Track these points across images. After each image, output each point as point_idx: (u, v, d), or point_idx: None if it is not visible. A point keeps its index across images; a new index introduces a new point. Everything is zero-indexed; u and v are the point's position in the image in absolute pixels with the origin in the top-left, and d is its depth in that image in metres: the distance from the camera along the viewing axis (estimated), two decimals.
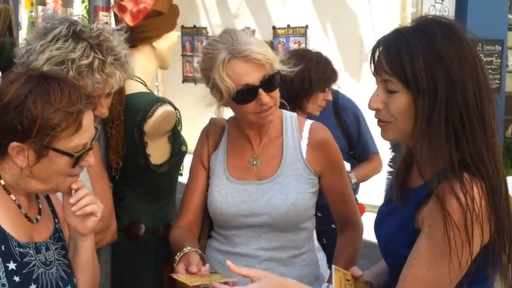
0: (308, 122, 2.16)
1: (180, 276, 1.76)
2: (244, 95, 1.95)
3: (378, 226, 1.73)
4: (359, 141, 3.74)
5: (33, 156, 1.52)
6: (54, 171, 1.56)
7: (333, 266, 1.73)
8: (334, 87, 3.83)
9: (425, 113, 1.47)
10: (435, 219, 1.44)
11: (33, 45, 1.90)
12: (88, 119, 1.57)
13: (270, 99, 1.96)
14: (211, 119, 2.23)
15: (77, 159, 1.56)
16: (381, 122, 1.59)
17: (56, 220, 1.73)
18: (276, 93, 2.01)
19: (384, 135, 1.60)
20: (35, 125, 1.48)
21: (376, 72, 1.55)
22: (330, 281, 2.07)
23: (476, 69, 1.49)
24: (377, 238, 1.73)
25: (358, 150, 3.79)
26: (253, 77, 1.93)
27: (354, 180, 3.58)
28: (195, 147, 2.22)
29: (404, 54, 1.47)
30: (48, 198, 1.74)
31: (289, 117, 2.17)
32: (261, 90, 1.94)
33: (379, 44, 1.55)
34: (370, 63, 1.56)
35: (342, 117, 3.68)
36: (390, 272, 1.70)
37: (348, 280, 1.70)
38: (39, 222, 1.65)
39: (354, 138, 3.72)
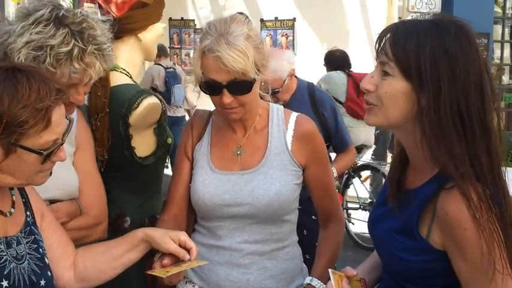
0: (294, 114, 2.16)
1: (155, 270, 1.76)
2: (210, 88, 1.95)
3: (373, 228, 1.71)
4: (337, 134, 3.78)
5: (1, 153, 1.47)
6: (23, 168, 1.52)
7: (329, 270, 1.74)
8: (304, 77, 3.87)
9: (432, 107, 1.43)
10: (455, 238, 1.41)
11: (14, 26, 1.84)
12: (58, 115, 1.51)
13: (233, 100, 1.94)
14: (196, 110, 2.23)
15: (46, 156, 1.51)
16: (367, 105, 1.56)
17: (28, 213, 1.68)
18: (245, 97, 1.97)
19: (368, 118, 1.56)
20: (1, 122, 1.42)
21: (377, 55, 1.52)
22: (311, 274, 2.09)
23: (482, 81, 1.45)
24: (372, 239, 1.72)
25: (335, 143, 3.84)
26: (221, 76, 1.91)
27: (335, 174, 3.61)
28: (180, 140, 2.22)
29: (411, 42, 1.44)
30: (21, 189, 1.70)
31: (276, 109, 2.17)
32: (225, 90, 1.92)
33: (388, 29, 1.52)
34: (375, 46, 1.53)
35: (319, 111, 3.70)
36: (386, 272, 1.69)
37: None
38: (13, 215, 1.61)
39: (331, 131, 3.76)
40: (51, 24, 1.82)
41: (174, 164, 2.23)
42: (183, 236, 1.79)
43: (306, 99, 3.73)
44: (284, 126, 2.12)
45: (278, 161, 2.07)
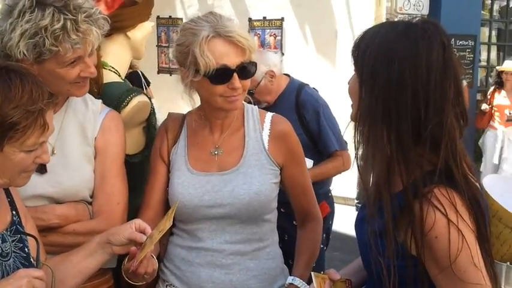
0: (269, 114, 2.17)
1: (130, 263, 1.72)
2: (219, 75, 1.95)
3: (357, 229, 1.71)
4: (320, 138, 3.66)
5: None
6: (8, 166, 1.50)
7: (312, 272, 1.74)
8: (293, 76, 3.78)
9: (365, 107, 1.48)
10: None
11: (2, 26, 1.85)
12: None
13: (241, 86, 1.98)
14: (169, 114, 2.22)
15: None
16: None
17: (14, 212, 1.66)
18: (247, 83, 2.03)
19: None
20: None
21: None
22: (292, 274, 2.09)
23: (429, 85, 1.43)
24: (357, 240, 1.71)
25: (320, 147, 3.69)
26: (232, 59, 1.95)
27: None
28: (154, 143, 2.20)
29: (363, 43, 1.51)
30: (6, 188, 1.68)
31: (251, 109, 2.18)
32: (235, 75, 1.95)
33: (360, 35, 1.57)
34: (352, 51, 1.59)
35: (301, 113, 3.61)
36: (369, 275, 1.69)
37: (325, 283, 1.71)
38: None
39: (314, 134, 3.65)
40: (36, 9, 1.82)
41: (149, 168, 2.19)
42: (138, 221, 1.77)
43: (292, 101, 3.68)
44: (260, 126, 2.13)
45: (256, 161, 2.07)
